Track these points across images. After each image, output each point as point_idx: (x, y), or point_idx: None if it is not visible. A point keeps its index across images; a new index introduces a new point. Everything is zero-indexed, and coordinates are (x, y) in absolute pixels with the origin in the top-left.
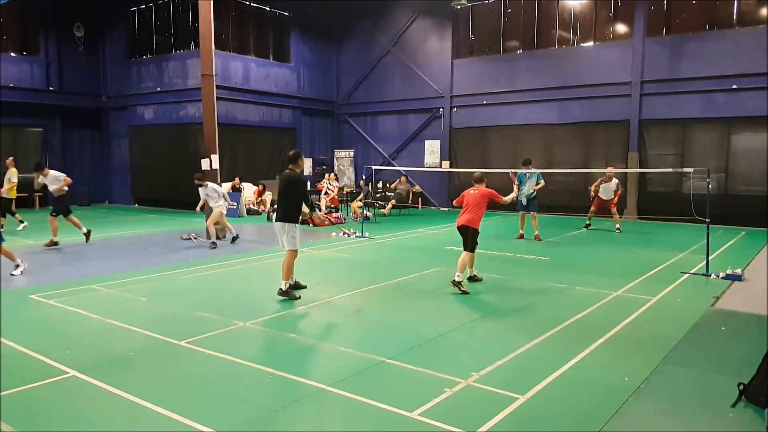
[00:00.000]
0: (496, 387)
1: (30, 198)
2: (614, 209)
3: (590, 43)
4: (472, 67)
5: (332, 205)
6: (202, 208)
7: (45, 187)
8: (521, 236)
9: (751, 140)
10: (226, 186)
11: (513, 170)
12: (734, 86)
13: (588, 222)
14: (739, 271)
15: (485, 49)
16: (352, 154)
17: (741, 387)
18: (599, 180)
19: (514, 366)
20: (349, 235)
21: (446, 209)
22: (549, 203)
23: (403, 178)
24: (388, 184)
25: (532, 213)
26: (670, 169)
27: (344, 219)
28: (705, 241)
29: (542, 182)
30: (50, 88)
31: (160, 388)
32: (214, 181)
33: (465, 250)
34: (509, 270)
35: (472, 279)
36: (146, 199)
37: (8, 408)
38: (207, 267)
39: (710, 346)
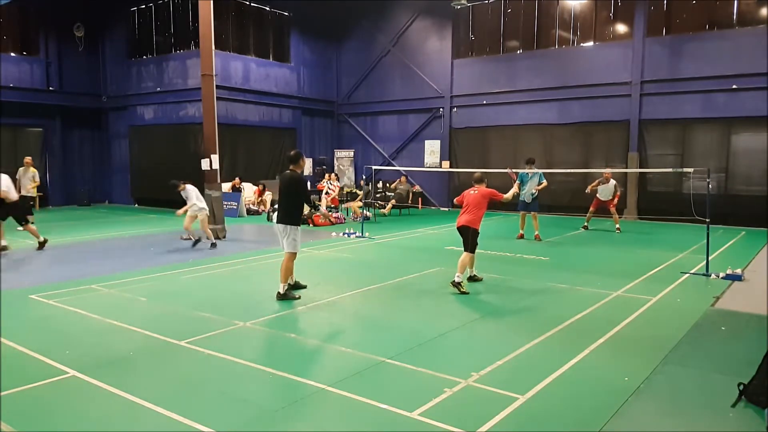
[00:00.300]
0: (496, 387)
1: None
2: (613, 209)
3: (590, 43)
4: (472, 67)
5: (333, 205)
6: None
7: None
8: (521, 236)
9: (751, 140)
10: (226, 186)
11: (513, 170)
12: (734, 86)
13: (586, 223)
14: (739, 271)
15: (485, 49)
16: (352, 154)
17: (741, 387)
18: (597, 181)
19: (514, 366)
20: (349, 235)
21: (446, 209)
22: (549, 203)
23: (403, 178)
24: (388, 184)
25: (532, 213)
26: (670, 169)
27: (344, 219)
28: (705, 241)
29: (544, 182)
30: (50, 88)
31: (160, 388)
32: (214, 181)
33: (465, 250)
34: (509, 270)
35: (472, 279)
36: (146, 199)
37: (8, 408)
38: (207, 267)
39: (710, 346)
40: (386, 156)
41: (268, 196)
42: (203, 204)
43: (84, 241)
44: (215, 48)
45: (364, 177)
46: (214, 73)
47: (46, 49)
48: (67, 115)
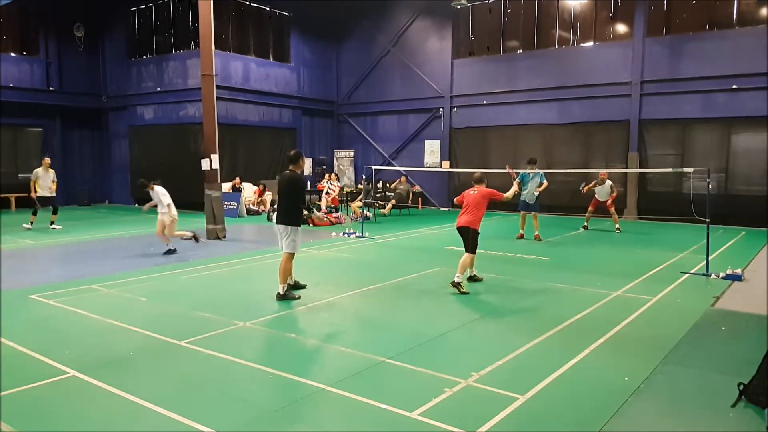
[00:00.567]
0: (496, 387)
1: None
2: (612, 209)
3: (590, 43)
4: (472, 67)
5: (333, 205)
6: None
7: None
8: (521, 236)
9: (751, 140)
10: (226, 186)
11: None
12: (734, 86)
13: (585, 223)
14: (739, 271)
15: (485, 49)
16: (352, 154)
17: (741, 387)
18: (594, 182)
19: (514, 366)
20: (349, 235)
21: (446, 209)
22: (549, 203)
23: (403, 178)
24: (388, 184)
25: (533, 213)
26: (670, 169)
27: (344, 219)
28: (705, 241)
29: (545, 183)
30: (50, 88)
31: (160, 388)
32: (214, 181)
33: (467, 251)
34: (509, 270)
35: (472, 279)
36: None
37: (8, 408)
38: (207, 267)
39: (710, 346)
40: (386, 156)
41: (268, 196)
42: (164, 208)
43: (84, 241)
44: (215, 48)
45: (364, 177)
46: (214, 73)
47: (46, 49)
48: (67, 115)
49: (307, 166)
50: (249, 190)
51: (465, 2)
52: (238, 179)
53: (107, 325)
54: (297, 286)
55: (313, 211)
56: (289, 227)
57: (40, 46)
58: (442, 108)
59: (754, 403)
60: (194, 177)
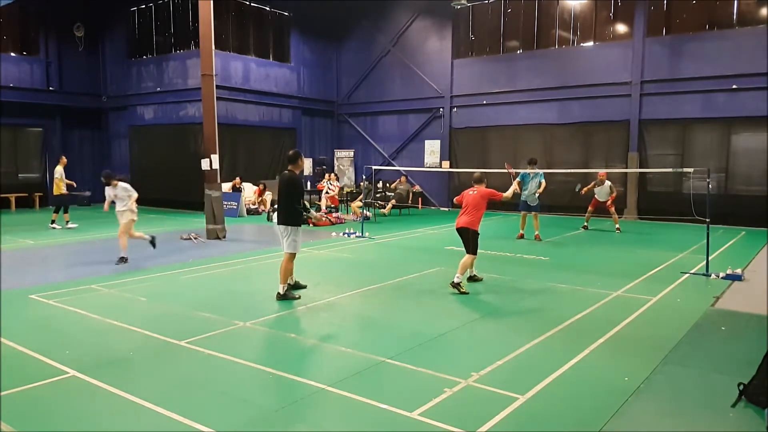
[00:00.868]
0: (496, 387)
1: (30, 198)
2: (612, 209)
3: (590, 43)
4: (472, 67)
5: (333, 205)
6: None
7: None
8: (521, 236)
9: (751, 140)
10: (226, 186)
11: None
12: (734, 86)
13: (585, 223)
14: (739, 271)
15: (485, 49)
16: (352, 154)
17: (741, 387)
18: (592, 183)
19: (514, 366)
20: (349, 235)
21: (446, 209)
22: (549, 203)
23: (403, 178)
24: (388, 184)
25: (534, 213)
26: (670, 169)
27: (344, 219)
28: (705, 241)
29: (544, 183)
30: (50, 88)
31: (160, 388)
32: (214, 181)
33: (467, 252)
34: (509, 270)
35: (472, 279)
36: (146, 199)
37: (8, 408)
38: (207, 267)
39: (710, 346)
40: (386, 156)
41: (268, 196)
42: (125, 206)
43: (84, 241)
44: (215, 48)
45: (364, 177)
46: (214, 73)
47: (46, 49)
48: (67, 115)
49: (307, 166)
50: (249, 190)
51: (465, 2)
52: (238, 179)
53: (107, 325)
54: (297, 286)
55: (309, 211)
56: (290, 227)
57: (40, 46)
58: (442, 108)
59: (754, 403)
60: (194, 177)
